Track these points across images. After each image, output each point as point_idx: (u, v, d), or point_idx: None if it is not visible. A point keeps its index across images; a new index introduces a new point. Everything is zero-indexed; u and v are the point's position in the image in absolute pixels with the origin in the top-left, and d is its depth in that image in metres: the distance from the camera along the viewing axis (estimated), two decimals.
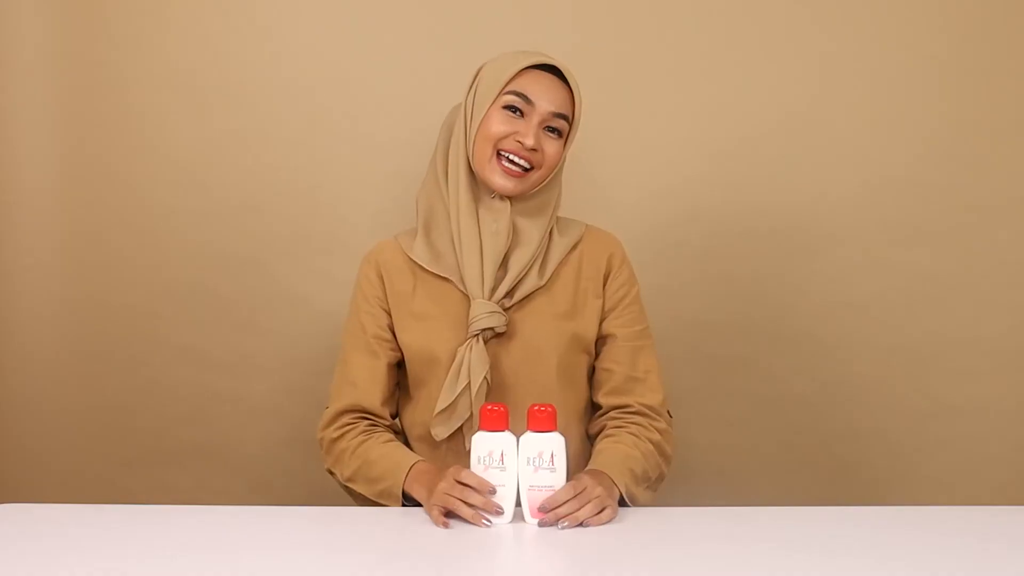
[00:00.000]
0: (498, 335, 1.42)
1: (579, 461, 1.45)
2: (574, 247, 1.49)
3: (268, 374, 1.93)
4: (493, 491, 1.23)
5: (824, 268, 1.94)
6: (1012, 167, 1.93)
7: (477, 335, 1.39)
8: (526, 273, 1.43)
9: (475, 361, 1.38)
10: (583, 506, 1.23)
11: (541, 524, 1.23)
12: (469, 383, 1.37)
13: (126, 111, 1.91)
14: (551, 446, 1.23)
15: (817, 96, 1.92)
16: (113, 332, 1.93)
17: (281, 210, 1.91)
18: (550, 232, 1.48)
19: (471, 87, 1.46)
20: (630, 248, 1.53)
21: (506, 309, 1.42)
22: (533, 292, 1.44)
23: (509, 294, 1.42)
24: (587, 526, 1.23)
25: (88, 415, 1.94)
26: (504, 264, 1.43)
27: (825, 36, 1.92)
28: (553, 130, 1.42)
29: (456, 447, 1.43)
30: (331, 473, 1.47)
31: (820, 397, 1.96)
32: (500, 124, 1.40)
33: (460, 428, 1.41)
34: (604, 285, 1.48)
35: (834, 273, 1.94)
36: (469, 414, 1.38)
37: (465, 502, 1.22)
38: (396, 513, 1.31)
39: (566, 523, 1.22)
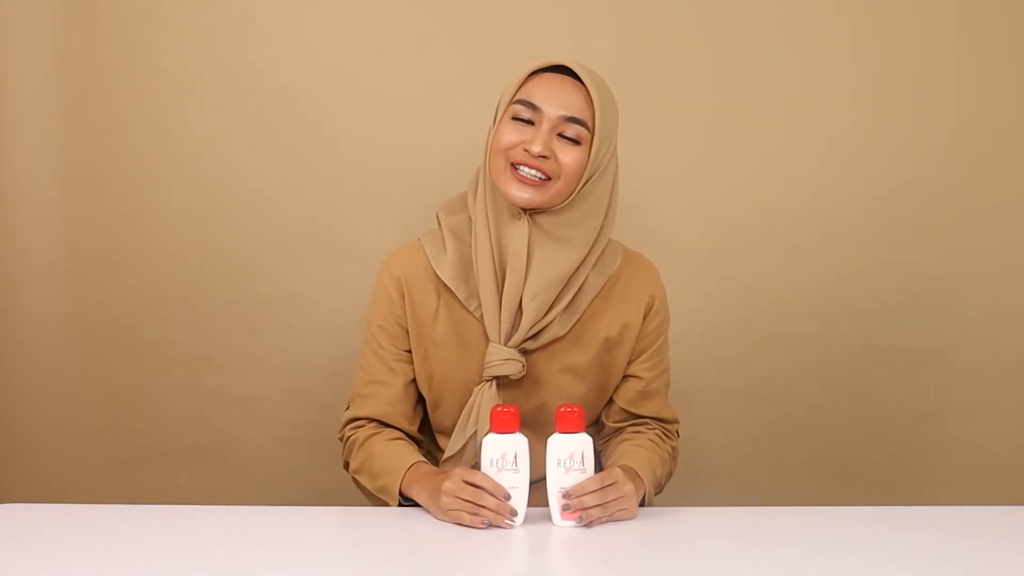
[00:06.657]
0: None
1: None
2: (607, 282, 1.40)
3: (268, 374, 1.93)
4: (508, 496, 1.20)
5: (824, 268, 1.94)
6: (1013, 167, 1.93)
7: (491, 380, 1.36)
8: (548, 314, 1.35)
9: (484, 408, 1.34)
10: (609, 502, 1.22)
11: (564, 518, 1.22)
12: (477, 431, 1.35)
13: (127, 111, 1.90)
14: (581, 447, 1.23)
15: (818, 96, 1.92)
16: (114, 332, 1.93)
17: (282, 210, 1.91)
18: (583, 263, 1.37)
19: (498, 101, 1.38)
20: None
21: (526, 352, 1.36)
22: (556, 339, 1.38)
23: (531, 338, 1.36)
24: (601, 523, 1.22)
25: (88, 415, 1.93)
26: (521, 299, 1.34)
27: (827, 36, 1.91)
28: (570, 138, 1.31)
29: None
30: (346, 468, 1.44)
31: (820, 397, 1.96)
32: (509, 134, 1.31)
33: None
34: (639, 331, 1.41)
35: (834, 273, 1.94)
36: (475, 460, 1.33)
37: (476, 504, 1.19)
38: (396, 513, 1.31)
39: (583, 518, 1.21)
